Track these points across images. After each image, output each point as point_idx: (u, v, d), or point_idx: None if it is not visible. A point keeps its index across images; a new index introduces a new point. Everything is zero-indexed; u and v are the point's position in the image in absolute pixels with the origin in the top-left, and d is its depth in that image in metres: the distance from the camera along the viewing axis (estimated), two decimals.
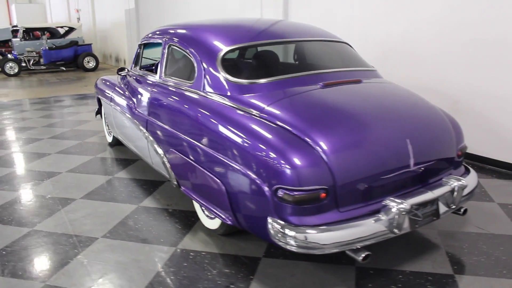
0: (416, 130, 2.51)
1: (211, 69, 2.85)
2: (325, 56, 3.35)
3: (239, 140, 2.39)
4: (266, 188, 2.19)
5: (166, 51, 3.42)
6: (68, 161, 4.63)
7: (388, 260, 2.59)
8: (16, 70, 13.22)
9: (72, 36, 15.09)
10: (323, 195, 2.14)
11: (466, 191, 2.63)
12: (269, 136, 2.30)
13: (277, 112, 2.45)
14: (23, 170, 4.37)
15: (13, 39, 14.56)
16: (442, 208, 2.48)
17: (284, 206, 2.15)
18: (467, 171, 2.86)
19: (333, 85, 2.75)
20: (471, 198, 2.79)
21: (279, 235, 2.14)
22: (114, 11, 15.79)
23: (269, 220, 2.18)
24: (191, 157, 2.80)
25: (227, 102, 2.68)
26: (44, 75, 13.63)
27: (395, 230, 2.22)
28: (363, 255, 2.17)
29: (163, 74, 3.41)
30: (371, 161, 2.27)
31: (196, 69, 2.97)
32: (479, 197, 3.52)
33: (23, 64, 13.61)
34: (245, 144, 2.34)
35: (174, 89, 3.18)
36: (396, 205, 2.17)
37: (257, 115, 2.48)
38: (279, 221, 2.16)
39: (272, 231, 2.17)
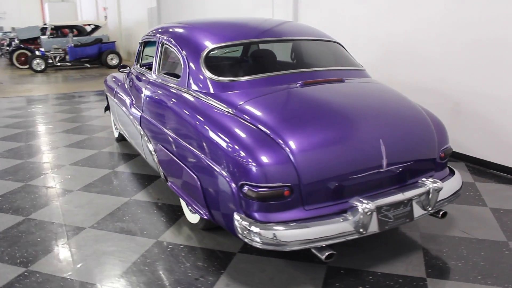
0: (391, 130, 2.50)
1: (195, 67, 2.92)
2: (312, 55, 3.37)
3: (211, 136, 2.45)
4: (233, 184, 2.24)
5: (159, 49, 3.51)
6: (74, 155, 4.80)
7: (362, 260, 2.59)
8: (43, 67, 13.69)
9: (97, 34, 15.50)
10: (287, 192, 2.16)
11: (446, 194, 2.61)
12: (237, 133, 2.34)
13: (250, 110, 2.50)
14: (30, 162, 4.56)
15: (42, 37, 15.08)
16: (417, 210, 2.46)
17: (249, 202, 2.19)
18: (452, 173, 2.82)
19: (312, 84, 2.77)
20: (454, 201, 2.75)
21: (245, 232, 2.18)
22: (138, 10, 16.13)
23: (235, 216, 2.23)
24: (174, 153, 2.88)
25: (207, 99, 2.74)
26: (69, 71, 14.07)
27: (361, 230, 2.22)
28: (327, 253, 2.18)
29: (156, 72, 3.51)
30: (340, 161, 2.28)
31: (182, 66, 3.04)
32: (471, 201, 3.45)
33: (50, 61, 14.08)
34: (216, 141, 2.40)
35: (163, 87, 3.27)
36: (361, 205, 2.18)
37: (232, 112, 2.53)
38: (244, 217, 2.20)
39: (238, 227, 2.21)
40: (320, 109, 2.50)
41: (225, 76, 2.84)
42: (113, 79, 5.03)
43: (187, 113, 2.76)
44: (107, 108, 5.51)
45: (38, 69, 13.64)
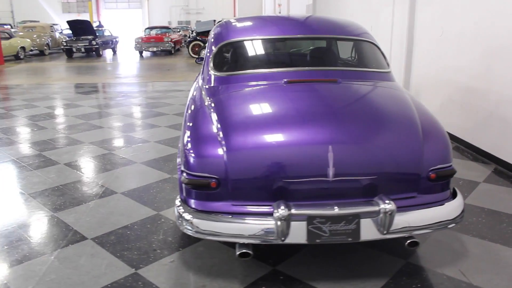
0: (350, 138, 2.31)
1: (207, 62, 3.16)
2: (322, 54, 3.23)
3: (184, 126, 2.68)
4: (179, 171, 2.45)
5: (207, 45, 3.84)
6: (165, 134, 5.55)
7: (313, 273, 2.48)
8: None
9: None
10: (213, 184, 2.26)
11: (418, 222, 2.30)
12: (195, 125, 2.53)
13: (219, 103, 2.65)
14: (127, 136, 5.50)
15: None
16: (367, 231, 2.23)
17: (185, 189, 2.37)
18: (451, 199, 2.43)
19: (297, 82, 2.73)
20: (435, 231, 2.41)
21: (179, 219, 2.36)
22: (300, 6, 16.79)
23: (176, 201, 2.43)
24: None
25: (204, 92, 2.96)
26: None
27: (282, 238, 2.16)
28: (242, 251, 2.21)
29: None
30: (276, 164, 2.25)
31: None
32: (507, 240, 2.82)
33: None
34: (183, 130, 2.62)
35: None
36: (277, 211, 2.12)
37: (206, 104, 2.70)
38: (182, 203, 2.38)
39: (176, 213, 2.41)
40: (279, 109, 2.49)
41: (224, 71, 3.01)
42: None
43: (188, 105, 3.03)
44: None
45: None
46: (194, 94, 3.13)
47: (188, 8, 41.30)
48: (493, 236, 2.88)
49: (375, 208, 2.18)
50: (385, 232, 2.22)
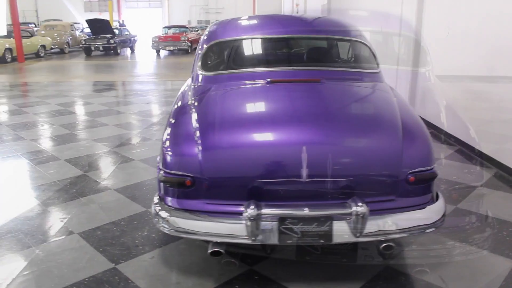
0: (324, 138, 2.29)
1: (196, 62, 3.19)
2: (312, 53, 3.23)
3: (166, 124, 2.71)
4: (158, 169, 2.48)
5: None
6: None
7: (290, 274, 2.48)
8: None
9: None
10: (188, 182, 2.28)
11: (395, 226, 2.26)
12: (175, 122, 2.56)
13: (199, 103, 2.69)
14: (130, 134, 5.60)
15: None
16: (340, 234, 2.21)
17: (162, 186, 2.40)
18: (431, 203, 2.39)
19: (279, 82, 2.74)
20: (412, 236, 2.37)
21: (156, 216, 2.39)
22: (316, 6, 16.72)
23: (154, 198, 2.47)
24: None
25: (191, 91, 2.99)
26: None
27: (253, 238, 2.17)
28: (214, 249, 2.23)
29: None
30: (250, 163, 2.26)
31: None
32: (494, 246, 2.75)
33: None
34: (165, 128, 2.65)
35: None
36: (245, 210, 2.13)
37: (190, 104, 2.73)
38: (159, 201, 2.41)
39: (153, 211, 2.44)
40: (257, 109, 2.51)
41: (211, 70, 3.04)
42: None
43: (174, 103, 3.06)
44: None
45: None
46: (182, 92, 3.17)
47: (208, 7, 41.53)
48: (481, 242, 2.82)
49: (347, 211, 2.16)
50: (358, 235, 2.20)
